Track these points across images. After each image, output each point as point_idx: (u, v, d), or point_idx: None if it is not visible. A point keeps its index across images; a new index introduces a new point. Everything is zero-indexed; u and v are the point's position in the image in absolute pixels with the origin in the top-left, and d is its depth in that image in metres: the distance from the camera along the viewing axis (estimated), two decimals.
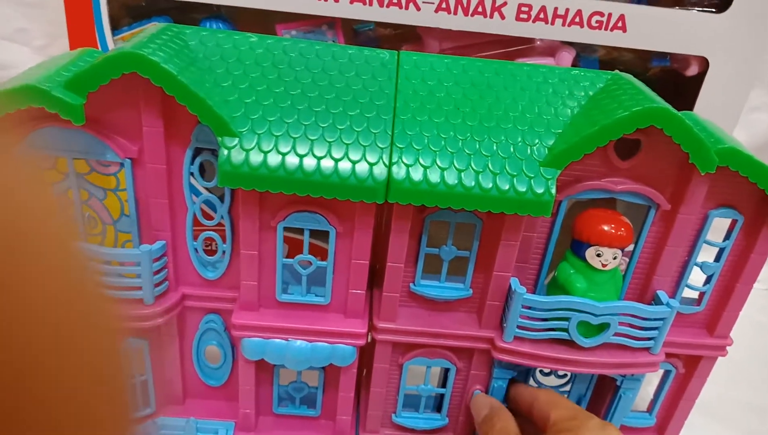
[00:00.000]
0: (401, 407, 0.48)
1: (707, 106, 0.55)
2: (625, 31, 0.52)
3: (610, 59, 0.61)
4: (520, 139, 0.38)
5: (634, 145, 0.39)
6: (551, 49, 0.58)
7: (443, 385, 0.48)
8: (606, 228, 0.40)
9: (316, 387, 0.48)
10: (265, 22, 0.55)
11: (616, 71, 0.42)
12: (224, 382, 0.48)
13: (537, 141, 0.38)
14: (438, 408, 0.49)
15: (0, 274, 0.13)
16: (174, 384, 0.48)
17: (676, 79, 0.59)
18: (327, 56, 0.39)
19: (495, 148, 0.38)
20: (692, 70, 0.56)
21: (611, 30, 0.52)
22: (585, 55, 0.60)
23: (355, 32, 0.59)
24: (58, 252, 0.15)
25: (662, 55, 0.58)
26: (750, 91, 0.56)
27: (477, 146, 0.37)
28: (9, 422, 0.13)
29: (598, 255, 0.41)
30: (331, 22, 0.56)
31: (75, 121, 0.34)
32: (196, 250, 0.42)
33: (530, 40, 0.58)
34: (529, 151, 0.38)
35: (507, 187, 0.37)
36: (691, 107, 0.56)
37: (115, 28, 0.55)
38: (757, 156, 0.39)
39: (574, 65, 0.59)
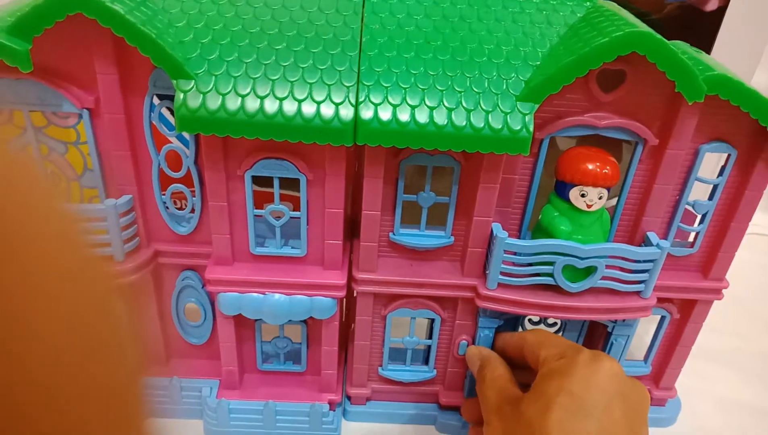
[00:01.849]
0: (387, 360, 0.47)
1: (727, 45, 0.52)
2: None
3: None
4: (495, 73, 0.36)
5: (618, 77, 0.37)
6: None
7: (430, 336, 0.47)
8: (590, 166, 0.38)
9: (300, 342, 0.47)
10: None
11: None
12: (207, 340, 0.47)
13: (513, 74, 0.36)
14: (426, 360, 0.48)
15: None
16: (155, 343, 0.47)
17: (694, 16, 0.55)
18: None
19: (468, 83, 0.35)
20: (711, 5, 0.53)
21: None
22: None
23: None
24: (45, 218, 0.14)
25: None
26: None
27: (449, 82, 0.35)
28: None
29: (583, 195, 0.39)
30: None
31: (22, 68, 0.33)
32: (165, 204, 0.41)
33: None
34: (504, 85, 0.36)
35: (482, 124, 0.35)
36: (710, 46, 0.52)
37: None
38: None
39: None
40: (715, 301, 0.46)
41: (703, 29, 0.51)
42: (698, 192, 0.42)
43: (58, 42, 0.34)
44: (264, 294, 0.42)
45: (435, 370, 0.48)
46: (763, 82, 0.66)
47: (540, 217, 0.41)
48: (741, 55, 0.52)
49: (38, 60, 0.34)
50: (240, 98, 0.33)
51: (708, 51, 0.50)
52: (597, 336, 0.47)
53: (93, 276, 0.16)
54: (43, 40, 0.33)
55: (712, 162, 0.45)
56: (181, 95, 0.33)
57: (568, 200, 0.40)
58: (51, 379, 0.13)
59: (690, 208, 0.42)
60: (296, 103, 0.34)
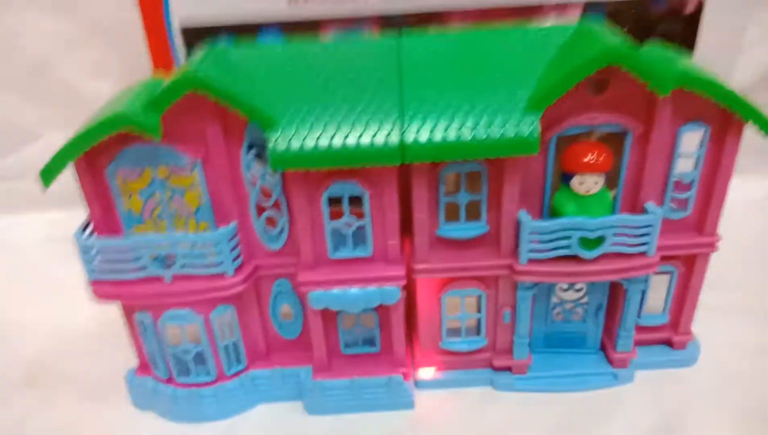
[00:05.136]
0: (446, 335, 0.57)
1: (708, 43, 0.60)
2: None
3: (617, 10, 0.65)
4: (506, 93, 0.46)
5: (606, 80, 0.47)
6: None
7: (478, 310, 0.57)
8: (584, 158, 0.48)
9: (373, 328, 0.57)
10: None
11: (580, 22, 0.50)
12: (298, 335, 0.58)
13: (522, 93, 0.46)
14: (478, 331, 0.58)
15: None
16: (258, 342, 0.58)
17: (679, 19, 0.62)
18: (336, 52, 0.48)
19: (487, 105, 0.46)
20: (690, 8, 0.60)
21: None
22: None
23: (386, 19, 0.68)
24: None
25: None
26: (748, 24, 0.60)
27: (472, 106, 0.46)
28: None
29: (581, 183, 0.48)
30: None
31: (156, 138, 0.44)
32: (261, 227, 0.52)
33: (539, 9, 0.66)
34: (514, 102, 0.46)
35: (499, 134, 0.45)
36: (693, 46, 0.60)
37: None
38: (756, 90, 0.45)
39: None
40: (727, 260, 0.54)
41: (688, 31, 0.59)
42: (687, 165, 0.52)
43: (177, 112, 0.46)
44: (343, 289, 0.52)
45: (486, 339, 0.58)
46: (745, 78, 0.73)
47: (553, 202, 0.51)
48: (721, 52, 0.60)
49: (162, 127, 0.45)
50: (315, 139, 0.45)
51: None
52: (618, 296, 0.56)
53: None
54: (166, 112, 0.45)
55: (696, 139, 0.54)
56: (272, 141, 0.45)
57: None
58: None
59: (680, 179, 0.52)
60: (357, 137, 0.45)
